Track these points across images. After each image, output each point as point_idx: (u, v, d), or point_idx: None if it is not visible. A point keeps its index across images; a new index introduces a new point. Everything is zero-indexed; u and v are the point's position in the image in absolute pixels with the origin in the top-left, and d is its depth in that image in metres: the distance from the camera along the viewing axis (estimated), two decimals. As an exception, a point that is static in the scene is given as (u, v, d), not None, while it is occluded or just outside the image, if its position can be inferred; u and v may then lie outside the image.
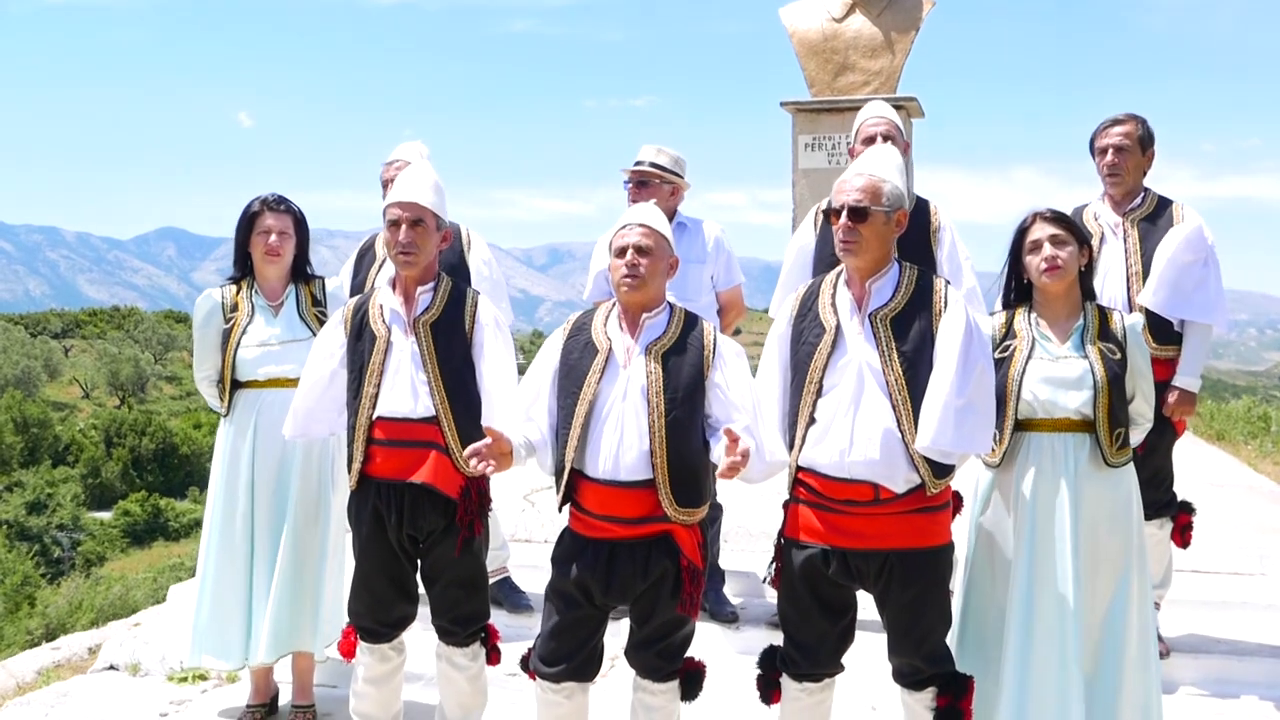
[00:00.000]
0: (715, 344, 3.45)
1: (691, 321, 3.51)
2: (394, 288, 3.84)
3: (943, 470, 3.28)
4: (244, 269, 4.44)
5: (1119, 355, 3.50)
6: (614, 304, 3.57)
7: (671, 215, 4.97)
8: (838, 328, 3.36)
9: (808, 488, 3.40)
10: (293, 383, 4.25)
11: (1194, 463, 7.47)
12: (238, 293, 4.41)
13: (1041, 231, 3.54)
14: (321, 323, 4.37)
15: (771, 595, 5.19)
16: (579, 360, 3.48)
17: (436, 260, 3.84)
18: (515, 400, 3.59)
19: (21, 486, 48.47)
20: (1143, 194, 4.44)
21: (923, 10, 8.04)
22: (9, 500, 47.02)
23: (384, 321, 3.78)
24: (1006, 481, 3.58)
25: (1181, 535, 4.42)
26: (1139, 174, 4.42)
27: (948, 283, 3.38)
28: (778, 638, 4.79)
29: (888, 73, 7.98)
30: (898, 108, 7.96)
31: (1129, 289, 4.32)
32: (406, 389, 3.71)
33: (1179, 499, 4.47)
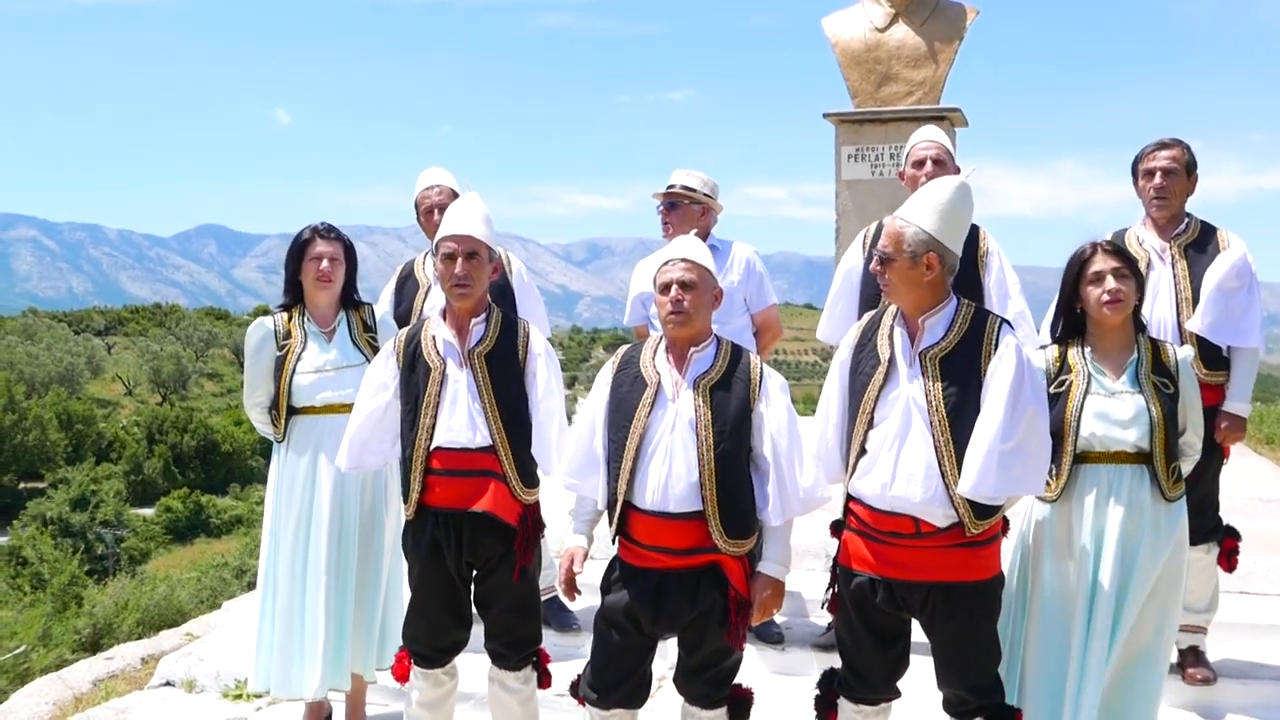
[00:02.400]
0: (761, 377, 3.50)
1: (737, 355, 3.55)
2: (444, 318, 3.89)
3: (985, 511, 3.29)
4: (295, 296, 4.51)
5: (1172, 390, 3.54)
6: (660, 337, 3.62)
7: (703, 237, 4.99)
8: (891, 360, 3.40)
9: (857, 516, 3.46)
10: (349, 408, 4.30)
11: (1240, 474, 7.38)
12: (289, 320, 4.48)
13: (1104, 264, 3.56)
14: (374, 348, 4.44)
15: (817, 615, 5.22)
16: (628, 394, 3.54)
17: (487, 291, 3.89)
18: (573, 443, 3.67)
19: (66, 483, 49.16)
20: (1186, 219, 4.43)
21: (966, 19, 8.00)
22: (54, 497, 47.70)
23: (438, 353, 3.83)
24: (1064, 514, 3.60)
25: (1228, 560, 4.41)
26: (1184, 198, 4.41)
27: (1005, 323, 3.39)
28: (823, 659, 4.84)
29: (931, 83, 7.95)
30: (940, 119, 7.96)
31: (1179, 315, 4.31)
32: (464, 420, 3.77)
33: (1224, 524, 4.46)
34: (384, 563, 4.47)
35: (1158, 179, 4.35)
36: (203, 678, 5.16)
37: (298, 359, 4.39)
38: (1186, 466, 3.67)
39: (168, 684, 5.24)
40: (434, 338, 3.87)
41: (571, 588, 3.66)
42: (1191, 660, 4.45)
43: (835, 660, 4.66)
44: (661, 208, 5.08)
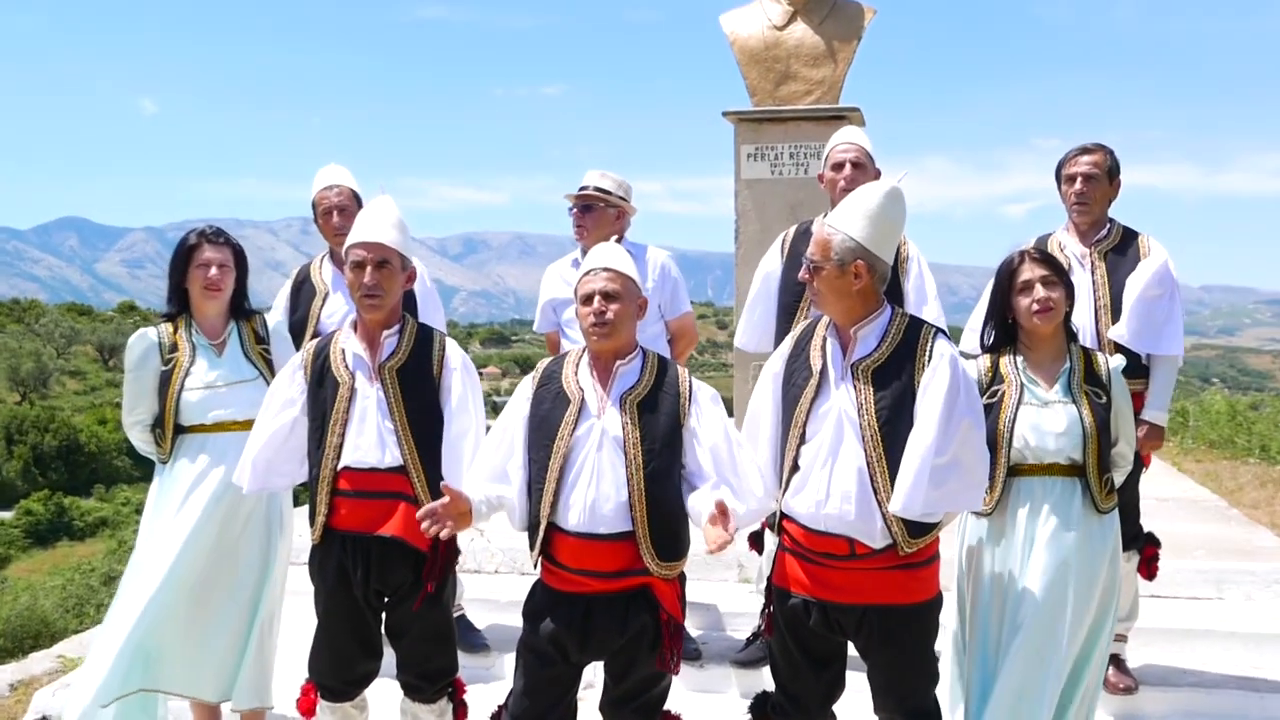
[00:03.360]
0: (691, 390, 3.35)
1: (664, 368, 3.40)
2: (354, 330, 3.65)
3: (920, 529, 3.19)
4: (180, 305, 4.20)
5: (1104, 399, 3.50)
6: (583, 350, 3.44)
7: (617, 241, 4.82)
8: (823, 372, 3.27)
9: (790, 535, 3.33)
10: (241, 425, 4.05)
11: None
12: (175, 331, 4.16)
13: (1031, 272, 3.51)
14: (267, 361, 4.18)
15: (734, 629, 5.11)
16: (550, 411, 3.35)
17: (400, 302, 3.66)
18: (486, 456, 3.46)
19: (-82, 487, 46.69)
20: (1109, 225, 4.41)
21: (865, 19, 7.96)
22: (-94, 502, 45.27)
23: (347, 367, 3.61)
24: (998, 528, 3.54)
25: (1148, 567, 4.43)
26: (1105, 204, 4.39)
27: (939, 332, 3.28)
28: (742, 676, 4.73)
29: (830, 82, 7.89)
30: (840, 118, 7.92)
31: (1096, 322, 4.30)
32: (373, 438, 3.56)
33: (1145, 531, 4.47)
34: (276, 587, 4.20)
35: (1079, 184, 4.32)
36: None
37: (185, 374, 4.09)
38: (1119, 477, 3.65)
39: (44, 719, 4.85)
40: (343, 351, 3.64)
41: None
42: (1113, 669, 4.45)
43: (754, 677, 4.56)
44: (575, 210, 4.88)
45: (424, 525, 3.15)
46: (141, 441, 4.24)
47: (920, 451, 3.08)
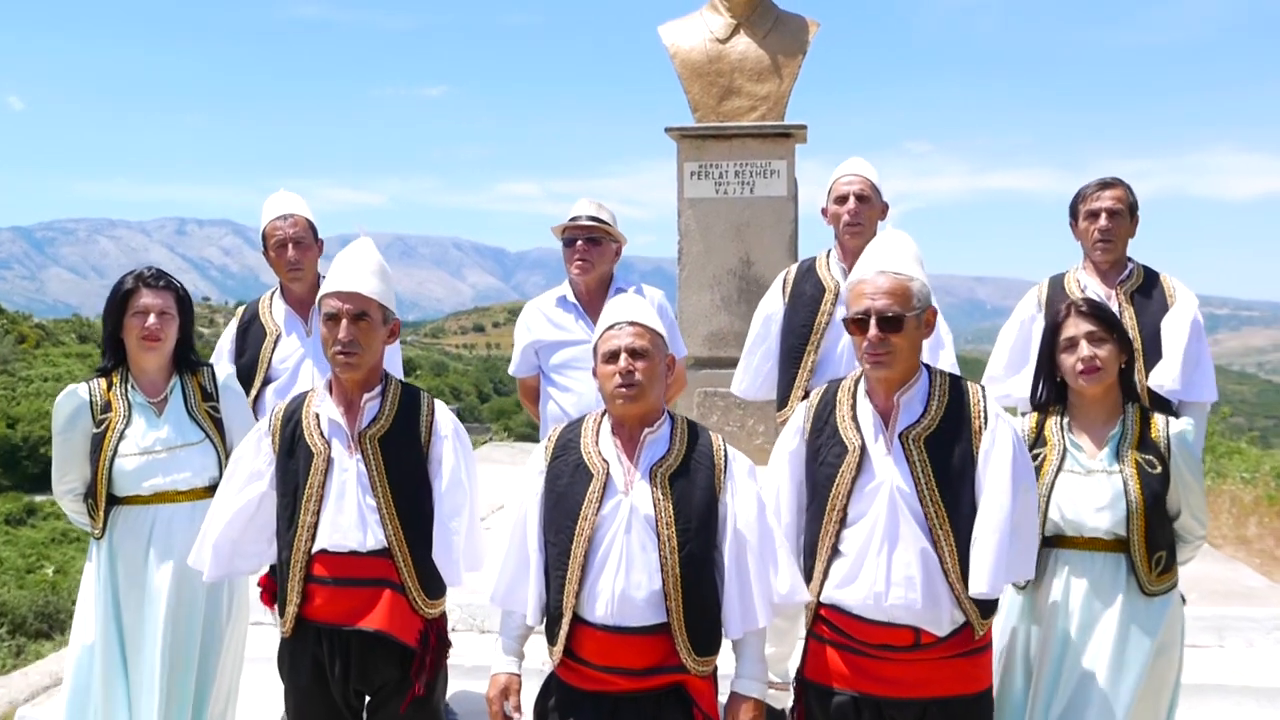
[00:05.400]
0: (726, 461, 2.96)
1: (695, 434, 3.00)
2: (330, 391, 3.20)
3: (990, 609, 2.91)
4: (116, 358, 3.66)
5: (1159, 469, 3.11)
6: (603, 415, 3.04)
7: (609, 279, 4.41)
8: (862, 448, 2.91)
9: (833, 627, 2.96)
10: (185, 495, 3.59)
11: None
12: (109, 389, 3.63)
13: (1077, 328, 3.15)
14: (215, 421, 3.68)
15: None
16: (570, 486, 2.93)
17: (382, 360, 3.21)
18: (506, 554, 3.02)
19: None
20: (1130, 264, 4.15)
21: (809, 33, 7.70)
22: None
23: (322, 435, 3.15)
24: (1034, 605, 3.22)
25: None
26: (1127, 241, 4.13)
27: (983, 389, 2.98)
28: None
29: (775, 97, 7.61)
30: (785, 135, 7.66)
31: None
32: (353, 517, 3.11)
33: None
34: (228, 677, 3.72)
35: (1103, 220, 4.04)
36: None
37: (119, 437, 3.55)
38: (1186, 553, 3.29)
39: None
40: (317, 416, 3.17)
41: None
42: None
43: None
44: (580, 243, 4.33)
45: None
46: (74, 513, 3.70)
47: (997, 524, 2.78)
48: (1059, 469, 3.15)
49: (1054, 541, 3.17)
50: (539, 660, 3.12)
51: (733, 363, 7.65)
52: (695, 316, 7.73)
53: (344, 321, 3.08)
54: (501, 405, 64.02)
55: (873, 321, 2.86)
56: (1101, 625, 3.11)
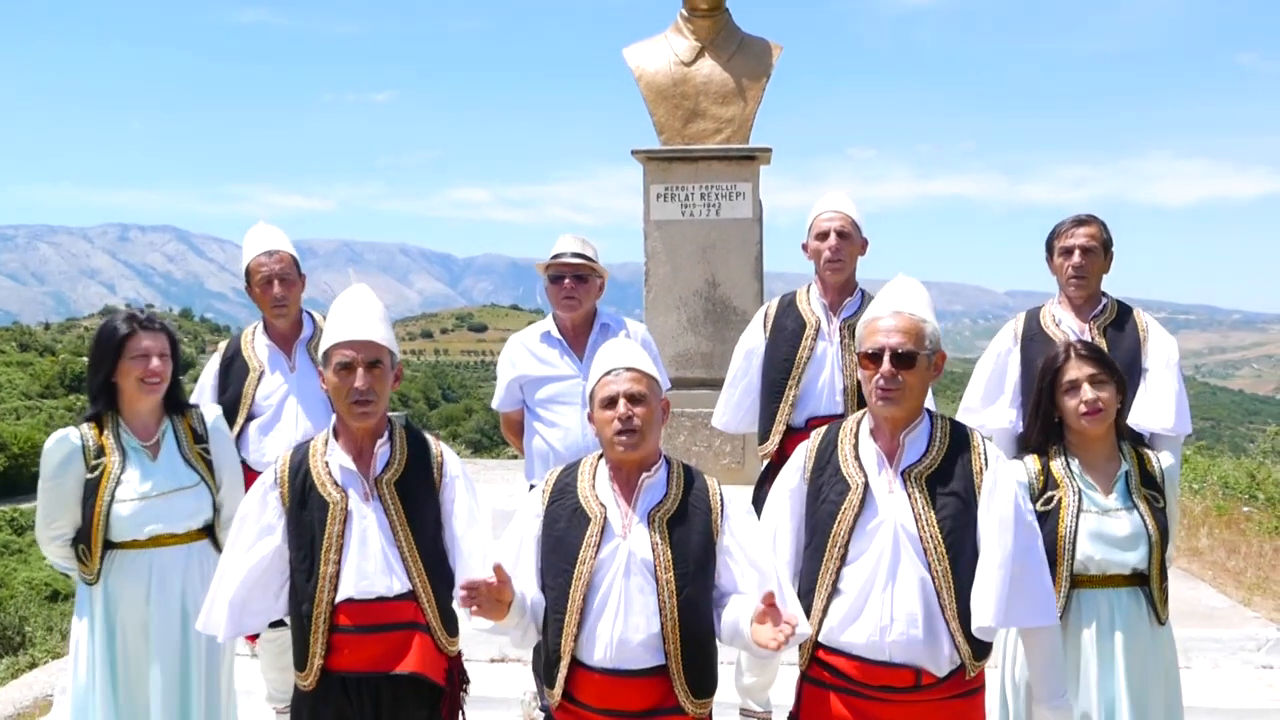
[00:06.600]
0: (722, 503, 3.02)
1: (691, 478, 3.05)
2: (337, 437, 3.21)
3: (983, 650, 2.97)
4: (107, 402, 3.64)
5: (1162, 504, 3.29)
6: (599, 458, 3.09)
7: (594, 314, 4.46)
8: (865, 485, 2.98)
9: (831, 669, 2.99)
10: (178, 539, 3.60)
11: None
12: (100, 433, 3.61)
13: (1078, 371, 3.27)
14: (207, 463, 3.69)
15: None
16: (567, 531, 2.98)
17: (388, 406, 3.24)
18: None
19: None
20: (1103, 299, 4.28)
21: (773, 56, 7.83)
22: None
23: (336, 484, 3.15)
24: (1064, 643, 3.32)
25: None
26: (1100, 277, 4.25)
27: (984, 438, 3.07)
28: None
29: (740, 120, 7.72)
30: (750, 158, 7.77)
31: None
32: (378, 563, 3.12)
33: None
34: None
35: (1076, 257, 4.14)
36: None
37: (116, 483, 3.55)
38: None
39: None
40: (327, 464, 3.18)
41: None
42: None
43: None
44: (568, 281, 4.35)
45: (460, 596, 2.74)
46: (60, 558, 3.68)
47: (1001, 560, 2.86)
48: (1079, 510, 3.25)
49: (1076, 582, 3.27)
50: (519, 689, 3.13)
51: (699, 383, 7.79)
52: (662, 337, 7.81)
53: (360, 370, 3.09)
54: (450, 412, 63.69)
55: (886, 356, 2.93)
56: (1136, 655, 3.23)
